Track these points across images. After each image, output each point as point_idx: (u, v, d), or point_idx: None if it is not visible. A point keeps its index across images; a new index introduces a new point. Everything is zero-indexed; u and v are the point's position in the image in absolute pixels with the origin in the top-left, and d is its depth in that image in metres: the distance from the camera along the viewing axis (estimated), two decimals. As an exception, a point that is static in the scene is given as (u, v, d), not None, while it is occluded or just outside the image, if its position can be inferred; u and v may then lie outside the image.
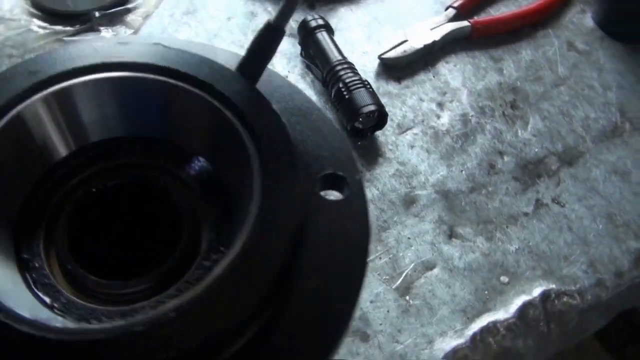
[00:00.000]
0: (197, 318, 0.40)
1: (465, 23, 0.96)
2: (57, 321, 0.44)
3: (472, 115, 0.90)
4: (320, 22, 0.92)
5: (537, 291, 0.77)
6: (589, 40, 0.99)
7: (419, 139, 0.87)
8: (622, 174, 0.85)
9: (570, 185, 0.85)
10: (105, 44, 0.52)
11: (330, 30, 0.92)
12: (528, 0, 1.04)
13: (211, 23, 0.98)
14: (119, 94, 0.50)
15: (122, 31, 0.93)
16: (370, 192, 0.82)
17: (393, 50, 0.93)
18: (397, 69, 0.94)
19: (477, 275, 0.77)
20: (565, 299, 0.77)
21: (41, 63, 0.49)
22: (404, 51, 0.92)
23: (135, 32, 0.93)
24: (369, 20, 1.00)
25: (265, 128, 0.47)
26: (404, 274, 0.76)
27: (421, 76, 0.93)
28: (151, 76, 0.49)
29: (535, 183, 0.85)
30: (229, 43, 0.95)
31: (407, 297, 0.75)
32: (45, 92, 0.48)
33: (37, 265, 0.50)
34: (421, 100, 0.91)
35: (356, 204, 0.49)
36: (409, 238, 0.79)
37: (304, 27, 0.92)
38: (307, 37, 0.91)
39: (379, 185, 0.82)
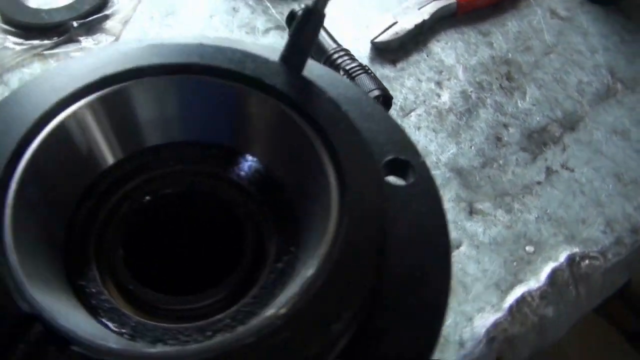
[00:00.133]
0: (305, 323, 0.38)
1: (450, 0, 0.96)
2: (143, 347, 0.41)
3: (471, 91, 0.90)
4: (309, 11, 0.90)
5: (562, 256, 0.78)
6: (570, 6, 1.00)
7: (423, 120, 0.87)
8: (621, 133, 0.87)
9: (575, 150, 0.86)
10: (134, 46, 0.48)
11: (319, 19, 0.90)
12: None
13: (194, 22, 0.94)
14: (174, 97, 0.47)
15: (103, 39, 0.89)
16: (387, 178, 0.81)
17: (385, 34, 0.92)
18: (390, 51, 0.93)
19: (503, 248, 0.77)
20: (589, 261, 0.78)
21: (81, 67, 0.46)
22: (396, 33, 0.92)
23: (117, 38, 0.89)
24: (354, 5, 0.99)
25: (327, 120, 0.46)
26: (433, 256, 0.76)
27: (415, 57, 0.93)
28: (215, 79, 0.46)
29: (543, 151, 0.86)
30: (216, 41, 0.92)
31: (442, 278, 0.74)
32: (90, 98, 0.45)
33: (94, 290, 0.46)
34: (419, 80, 0.90)
35: (426, 188, 0.48)
36: (433, 219, 0.78)
37: (292, 18, 0.90)
38: (298, 28, 0.89)
39: (394, 170, 0.82)
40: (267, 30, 0.94)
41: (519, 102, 0.90)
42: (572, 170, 0.84)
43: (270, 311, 0.40)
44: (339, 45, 0.87)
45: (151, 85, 0.46)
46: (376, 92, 0.81)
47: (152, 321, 0.45)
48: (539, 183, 0.83)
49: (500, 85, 0.91)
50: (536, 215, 0.80)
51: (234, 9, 0.97)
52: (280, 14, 0.96)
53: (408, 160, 0.49)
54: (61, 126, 0.44)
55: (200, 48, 0.49)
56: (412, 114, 0.87)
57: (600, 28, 0.98)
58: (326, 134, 0.45)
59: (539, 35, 0.97)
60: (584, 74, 0.93)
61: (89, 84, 0.45)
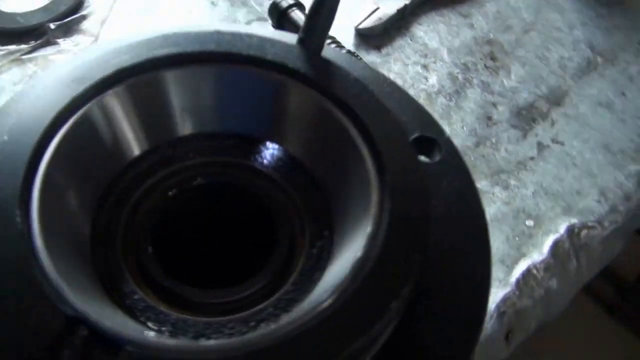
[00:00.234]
0: (364, 302, 0.37)
1: (428, -17, 0.96)
2: (193, 342, 0.40)
3: (457, 73, 0.91)
4: (291, 1, 0.89)
5: (562, 228, 0.79)
6: (544, -17, 1.02)
7: (414, 103, 0.87)
8: (606, 105, 0.89)
9: (563, 124, 0.88)
10: (150, 37, 0.47)
11: (302, 8, 0.89)
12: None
13: (173, 18, 0.92)
14: (202, 86, 0.46)
15: (81, 40, 0.86)
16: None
17: (368, 20, 0.92)
18: (373, 37, 0.93)
19: (504, 225, 0.78)
20: (587, 230, 0.80)
21: (100, 57, 0.44)
22: (379, 19, 0.92)
23: (96, 39, 0.87)
24: (333, -7, 0.98)
25: (357, 100, 0.45)
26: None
27: (399, 42, 0.93)
28: (252, 68, 0.45)
29: (532, 127, 0.87)
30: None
31: (450, 257, 0.75)
32: (117, 87, 0.43)
33: (126, 290, 0.45)
34: (405, 65, 0.91)
35: (455, 164, 0.48)
36: (434, 200, 0.78)
37: (275, 8, 0.89)
38: (282, 19, 0.88)
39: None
40: (249, 22, 0.93)
41: (504, 80, 0.91)
42: (563, 144, 0.86)
43: (320, 294, 0.40)
44: (324, 33, 0.86)
45: (179, 74, 0.45)
46: (367, 78, 0.81)
47: (190, 316, 0.44)
48: (532, 158, 0.84)
49: (485, 65, 0.92)
50: (533, 190, 0.81)
51: (212, 2, 0.95)
52: (259, 5, 0.95)
53: (435, 138, 0.49)
54: (87, 116, 0.42)
55: (217, 35, 0.48)
56: (403, 98, 0.87)
57: (576, 3, 1.00)
58: (357, 115, 0.45)
59: (517, 13, 0.98)
60: (565, 50, 0.94)
61: (114, 73, 0.43)
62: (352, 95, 0.45)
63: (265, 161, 0.50)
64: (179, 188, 0.47)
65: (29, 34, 0.84)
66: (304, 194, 0.49)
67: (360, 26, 0.91)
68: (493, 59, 0.93)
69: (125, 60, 0.45)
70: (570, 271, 0.78)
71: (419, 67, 0.91)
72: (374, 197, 0.42)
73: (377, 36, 0.93)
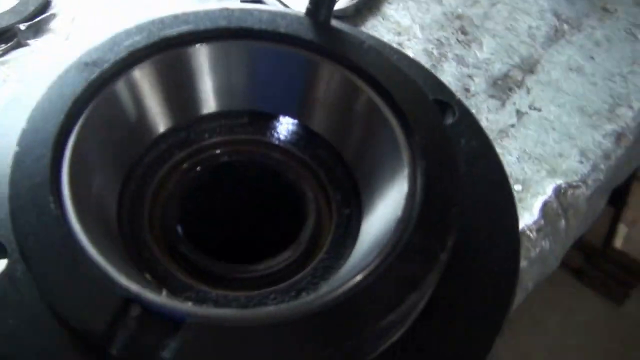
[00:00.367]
0: (413, 256, 0.38)
1: (395, -37, 0.97)
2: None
3: (432, 48, 0.92)
4: (262, -12, 0.88)
5: (549, 189, 0.81)
6: (505, -43, 1.04)
7: (394, 80, 0.88)
8: (576, 69, 0.92)
9: (538, 90, 0.90)
10: (164, 18, 0.46)
11: (275, -6, 0.89)
12: None
13: (142, 11, 0.90)
14: (226, 63, 0.45)
15: (52, 40, 0.83)
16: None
17: (340, 1, 0.92)
18: (346, 19, 0.93)
19: (494, 191, 0.80)
20: (573, 190, 0.82)
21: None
22: (350, 0, 0.92)
23: (67, 37, 0.84)
24: (302, -22, 0.98)
25: (376, 67, 0.45)
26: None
27: (372, 21, 0.94)
28: (285, 47, 0.45)
29: (509, 96, 0.89)
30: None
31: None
32: (143, 63, 0.43)
33: (160, 270, 0.44)
34: (381, 44, 0.91)
35: (470, 123, 0.49)
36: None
37: (247, -4, 0.88)
38: (256, 5, 0.87)
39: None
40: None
41: (477, 53, 0.93)
42: (540, 110, 0.88)
43: (363, 256, 0.40)
44: (300, 17, 0.86)
45: (204, 51, 0.44)
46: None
47: (230, 292, 0.43)
48: (512, 126, 0.86)
49: (457, 39, 0.94)
50: (517, 156, 0.83)
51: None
52: (229, -6, 0.94)
53: (447, 101, 0.50)
54: (113, 92, 0.41)
55: (226, 12, 0.47)
56: (383, 76, 0.88)
57: (537, -26, 1.02)
58: (377, 81, 0.45)
59: (482, -13, 1.00)
60: (532, 20, 0.97)
61: (139, 49, 0.42)
62: (370, 62, 0.46)
63: (286, 136, 0.50)
64: (205, 165, 0.47)
65: (-2, 37, 0.81)
66: (327, 167, 0.49)
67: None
68: (464, 33, 0.95)
69: (138, 42, 0.44)
70: (561, 230, 0.81)
71: (394, 45, 0.91)
72: (405, 159, 0.42)
73: (349, 17, 0.93)
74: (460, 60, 0.91)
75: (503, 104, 0.88)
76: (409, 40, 0.92)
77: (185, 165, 0.47)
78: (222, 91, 0.47)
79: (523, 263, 0.77)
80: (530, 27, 0.96)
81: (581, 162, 0.84)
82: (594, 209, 0.85)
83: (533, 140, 0.85)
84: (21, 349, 0.36)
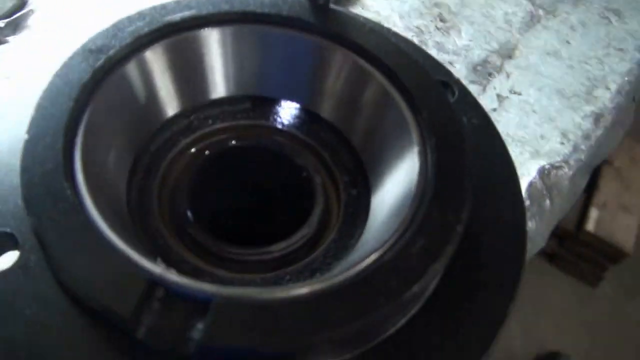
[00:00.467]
0: (426, 234, 0.38)
1: (372, -47, 0.98)
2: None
3: (412, 36, 0.93)
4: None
5: (533, 170, 0.83)
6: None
7: (378, 68, 0.88)
8: (553, 53, 0.94)
9: (517, 75, 0.92)
10: (166, 4, 0.46)
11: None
12: None
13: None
14: (236, 48, 0.45)
15: (32, 36, 0.82)
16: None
17: (320, -8, 0.92)
18: (327, 9, 0.93)
19: (481, 173, 0.81)
20: (556, 170, 0.84)
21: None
22: (331, -10, 0.92)
23: (46, 32, 0.82)
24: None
25: (380, 50, 0.46)
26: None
27: (352, 11, 0.94)
28: (297, 33, 0.45)
29: (490, 81, 0.91)
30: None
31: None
32: (154, 45, 0.42)
33: (174, 254, 0.44)
34: (362, 33, 0.92)
35: (469, 101, 0.50)
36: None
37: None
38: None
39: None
40: None
41: (456, 40, 0.94)
42: (520, 94, 0.90)
43: (379, 233, 0.40)
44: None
45: (208, 36, 0.44)
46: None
47: (246, 275, 0.43)
48: (494, 110, 0.88)
49: (436, 27, 0.95)
50: (501, 139, 0.85)
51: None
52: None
53: (446, 80, 0.50)
54: (121, 76, 0.41)
55: (227, -5, 0.47)
56: (366, 64, 0.89)
57: (510, -38, 1.04)
58: (384, 62, 0.45)
59: (458, -24, 1.02)
60: (508, 6, 0.99)
61: (143, 35, 0.42)
62: (374, 43, 0.46)
63: (289, 121, 0.50)
64: (212, 150, 0.46)
65: (-25, 35, 0.79)
66: (332, 149, 0.49)
67: None
68: (442, 20, 0.96)
69: (142, 27, 0.44)
70: (546, 210, 0.83)
71: (375, 34, 0.92)
72: (415, 136, 0.43)
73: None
74: (440, 48, 0.92)
75: (484, 89, 0.89)
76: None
77: (191, 151, 0.46)
78: (225, 77, 0.47)
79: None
80: (506, 14, 0.98)
81: (562, 143, 0.86)
82: (576, 188, 0.88)
83: (515, 124, 0.87)
84: (42, 338, 0.35)
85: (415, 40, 0.92)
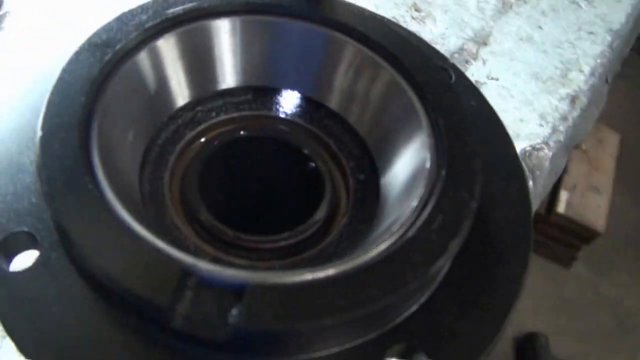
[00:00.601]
0: (443, 212, 0.39)
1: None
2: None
3: (390, 26, 0.94)
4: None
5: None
6: None
7: (358, 60, 0.89)
8: (527, 39, 0.97)
9: (493, 61, 0.94)
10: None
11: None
12: None
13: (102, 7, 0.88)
14: (247, 40, 0.45)
15: (7, 38, 0.80)
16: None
17: (297, -14, 0.92)
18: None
19: (466, 158, 0.83)
20: (537, 152, 0.87)
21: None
22: (307, -16, 0.93)
23: (22, 36, 0.81)
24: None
25: (381, 37, 0.47)
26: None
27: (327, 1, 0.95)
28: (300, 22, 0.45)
29: (467, 68, 0.92)
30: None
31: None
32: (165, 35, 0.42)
33: (190, 245, 0.44)
34: (341, 25, 0.93)
35: (466, 84, 0.51)
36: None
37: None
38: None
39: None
40: None
41: (432, 29, 0.96)
42: (497, 79, 0.92)
43: (396, 213, 0.41)
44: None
45: (214, 27, 0.44)
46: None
47: (262, 263, 0.44)
48: (474, 96, 0.90)
49: (412, 16, 0.97)
50: (482, 124, 0.87)
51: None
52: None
53: (442, 64, 0.51)
54: (130, 69, 0.41)
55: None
56: (346, 56, 0.89)
57: (479, -49, 1.06)
58: (386, 48, 0.46)
59: (429, -34, 1.03)
60: (480, -6, 1.01)
61: (148, 28, 0.42)
62: (374, 30, 0.47)
63: (292, 110, 0.50)
64: (221, 140, 0.47)
65: (-51, 39, 0.77)
66: (336, 136, 0.50)
67: (291, -7, 0.92)
68: (417, 10, 0.98)
69: (145, 21, 0.44)
70: (529, 191, 0.85)
71: (353, 26, 0.93)
72: (424, 119, 0.44)
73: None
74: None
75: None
76: (366, 20, 0.94)
77: (200, 141, 0.47)
78: (228, 68, 0.47)
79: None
80: (478, 1, 1.00)
81: (541, 125, 0.88)
82: (556, 169, 0.90)
83: (494, 108, 0.89)
84: (72, 334, 0.35)
85: (393, 31, 0.94)
